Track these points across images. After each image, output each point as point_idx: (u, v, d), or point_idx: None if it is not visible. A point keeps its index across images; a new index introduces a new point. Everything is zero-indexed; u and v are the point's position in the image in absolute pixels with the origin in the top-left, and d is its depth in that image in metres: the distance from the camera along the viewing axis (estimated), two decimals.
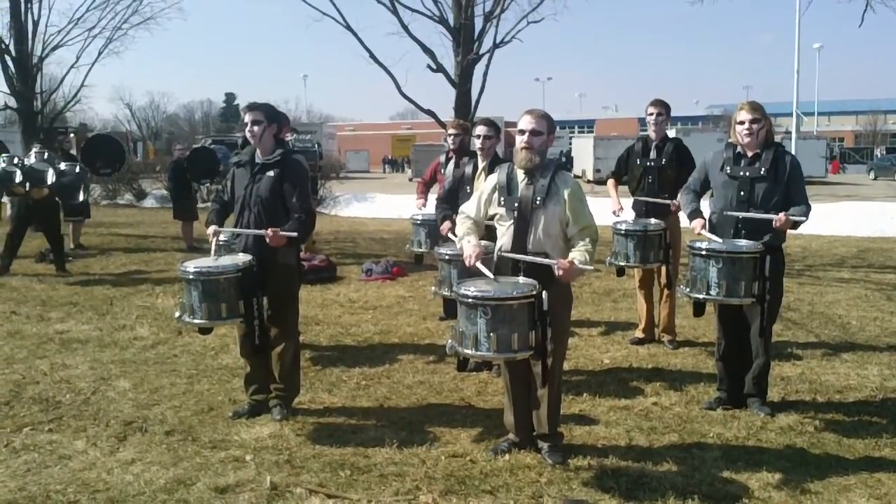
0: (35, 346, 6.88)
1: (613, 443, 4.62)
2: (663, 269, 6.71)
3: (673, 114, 7.10)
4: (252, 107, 4.98)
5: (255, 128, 4.91)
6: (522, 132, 4.25)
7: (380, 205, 22.39)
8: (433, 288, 5.99)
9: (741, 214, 4.94)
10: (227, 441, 4.68)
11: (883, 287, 9.60)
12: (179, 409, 5.25)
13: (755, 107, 5.07)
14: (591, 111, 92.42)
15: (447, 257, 5.72)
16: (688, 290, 4.91)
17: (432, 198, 7.88)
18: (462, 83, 13.19)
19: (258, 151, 5.01)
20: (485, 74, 13.62)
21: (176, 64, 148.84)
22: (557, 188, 4.23)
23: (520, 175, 4.32)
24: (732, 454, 4.44)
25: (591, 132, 66.97)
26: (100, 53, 21.67)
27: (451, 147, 7.32)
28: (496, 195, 4.36)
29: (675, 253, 6.69)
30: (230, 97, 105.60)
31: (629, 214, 6.84)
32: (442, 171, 7.52)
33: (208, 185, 16.46)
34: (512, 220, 4.27)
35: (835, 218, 15.86)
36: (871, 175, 43.61)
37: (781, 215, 4.76)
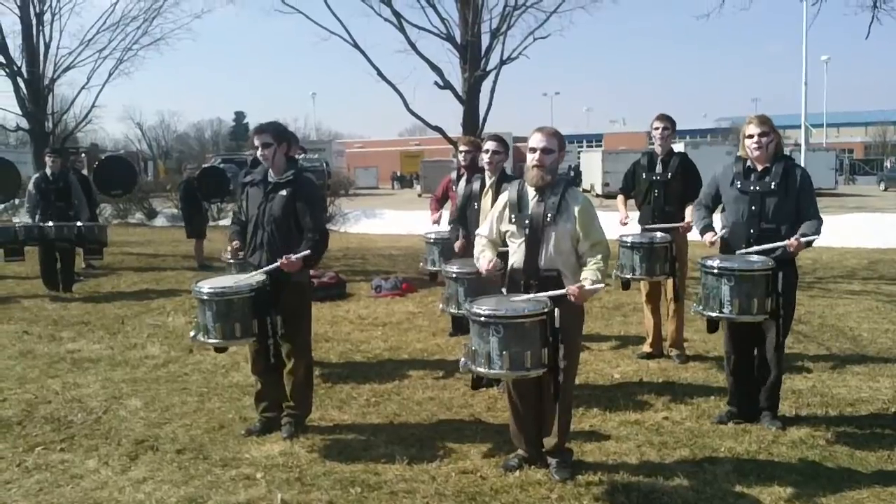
0: (47, 365, 6.91)
1: (624, 458, 4.61)
2: (669, 282, 6.71)
3: (681, 127, 7.13)
4: (260, 130, 5.02)
5: (266, 150, 4.95)
6: (534, 150, 4.28)
7: (389, 221, 22.46)
8: (441, 305, 6.00)
9: (754, 250, 4.91)
10: (238, 459, 4.70)
11: (894, 299, 9.55)
12: (190, 428, 5.26)
13: (764, 120, 5.08)
14: (599, 125, 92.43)
15: (454, 275, 5.74)
16: (700, 307, 4.89)
17: (445, 213, 7.94)
18: (469, 100, 13.27)
19: (270, 171, 5.05)
20: (492, 91, 13.74)
21: (186, 83, 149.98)
22: (568, 205, 4.25)
23: (530, 192, 4.35)
24: (744, 468, 4.42)
25: (600, 146, 66.97)
26: (110, 74, 21.91)
27: (463, 164, 7.35)
28: (507, 212, 4.39)
29: (681, 266, 6.69)
30: (240, 116, 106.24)
31: (634, 227, 6.84)
32: (454, 187, 7.54)
33: (219, 203, 16.54)
34: (523, 238, 4.29)
35: (845, 230, 15.81)
36: (882, 186, 43.40)
37: (793, 240, 4.75)
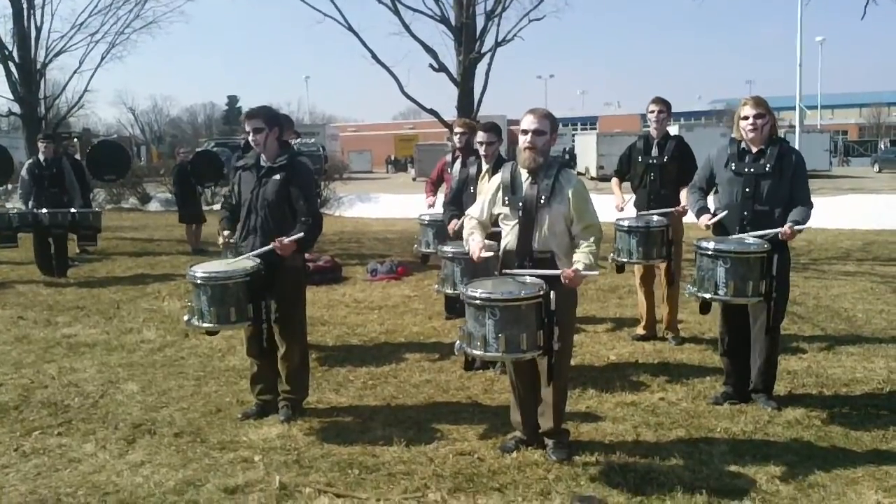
0: (43, 350, 6.90)
1: (621, 438, 4.63)
2: (664, 265, 6.71)
3: (676, 109, 7.11)
4: (250, 114, 4.99)
5: (258, 135, 4.93)
6: (525, 132, 4.26)
7: (384, 205, 22.41)
8: (436, 286, 6.00)
9: (749, 235, 4.91)
10: (236, 442, 4.71)
11: (889, 280, 9.59)
12: (188, 411, 5.27)
13: (759, 102, 5.06)
14: (594, 108, 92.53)
15: (450, 255, 5.73)
16: (695, 289, 4.89)
17: (440, 196, 7.93)
18: (464, 82, 13.23)
19: (262, 155, 5.02)
20: (487, 73, 13.70)
21: (178, 67, 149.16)
22: (562, 187, 4.24)
23: (523, 174, 4.34)
24: (740, 448, 4.45)
25: (594, 129, 66.86)
26: (102, 58, 21.73)
27: (458, 146, 7.34)
28: (500, 195, 4.38)
29: (676, 249, 6.69)
30: (233, 100, 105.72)
31: (631, 210, 6.84)
32: (449, 170, 7.54)
33: (212, 187, 16.47)
34: (517, 220, 4.29)
35: (839, 211, 15.82)
36: (876, 168, 43.45)
37: (787, 228, 4.76)
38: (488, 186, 4.53)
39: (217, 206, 19.47)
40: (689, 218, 6.64)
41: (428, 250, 7.25)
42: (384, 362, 6.36)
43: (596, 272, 4.12)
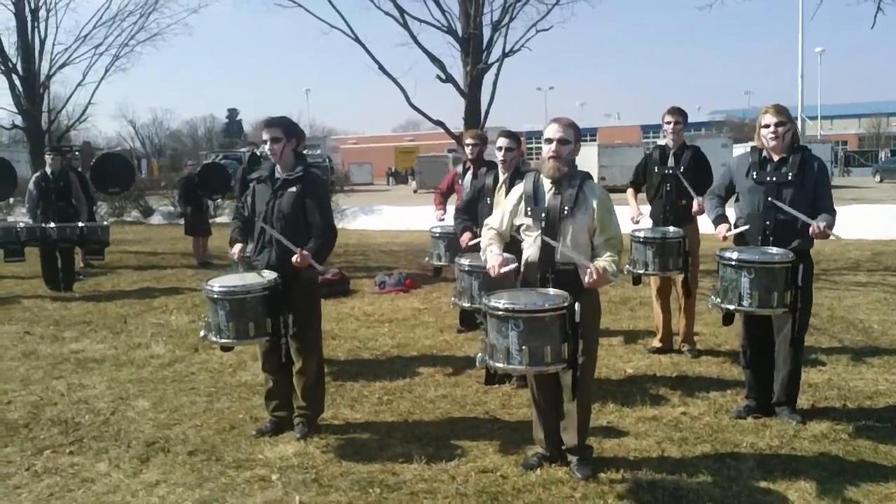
0: (51, 366, 6.81)
1: (645, 454, 4.54)
2: (681, 277, 6.64)
3: None
4: (270, 123, 4.92)
5: (275, 145, 4.85)
6: (550, 141, 4.19)
7: (387, 217, 22.36)
8: (453, 298, 5.91)
9: (783, 206, 4.79)
10: (252, 460, 4.61)
11: None
12: (201, 429, 5.17)
13: (780, 110, 4.99)
14: (593, 119, 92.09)
15: (468, 268, 5.64)
16: (719, 300, 4.80)
17: (450, 209, 7.85)
18: (472, 93, 13.17)
19: (278, 167, 4.95)
20: (494, 83, 13.65)
21: (178, 80, 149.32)
22: (586, 197, 4.17)
23: (546, 184, 4.26)
24: (767, 464, 4.35)
25: (594, 140, 66.94)
26: (107, 70, 21.72)
27: (469, 157, 7.29)
28: (523, 205, 4.30)
29: (693, 261, 6.61)
30: (233, 112, 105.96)
31: (648, 222, 6.77)
32: (460, 181, 7.49)
33: (220, 199, 16.41)
34: (539, 231, 4.20)
35: (845, 221, 15.57)
36: (877, 178, 43.39)
37: (819, 224, 4.67)
38: (510, 196, 4.45)
39: (220, 220, 19.43)
40: (705, 228, 6.58)
41: (440, 263, 7.17)
42: (398, 377, 6.26)
43: (619, 279, 4.06)
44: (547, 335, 3.80)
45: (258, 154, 12.48)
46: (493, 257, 4.25)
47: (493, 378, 5.81)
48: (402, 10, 13.40)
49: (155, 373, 6.58)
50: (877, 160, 51.87)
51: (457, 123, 13.77)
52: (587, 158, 43.34)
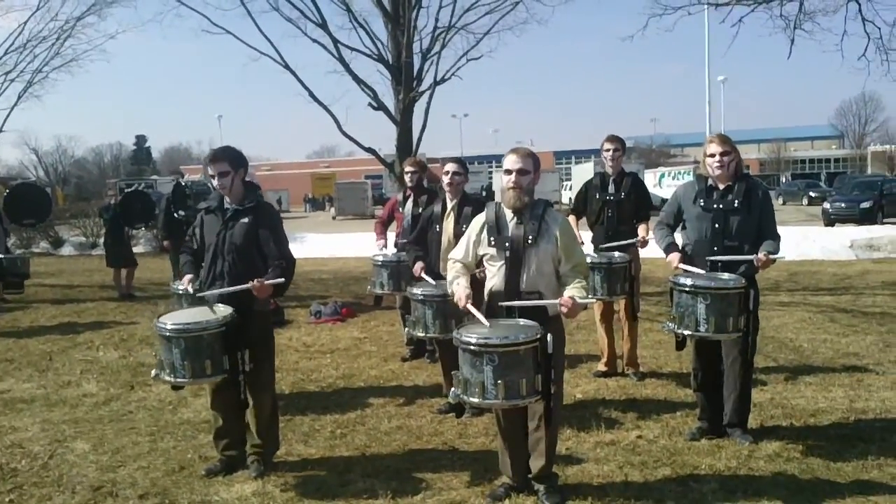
0: None
1: (609, 480, 4.56)
2: (623, 301, 6.75)
3: (586, 147, 7.27)
4: (215, 158, 4.76)
5: (224, 179, 4.71)
6: (510, 172, 4.22)
7: (311, 245, 22.02)
8: (406, 328, 5.85)
9: (722, 259, 4.98)
10: (208, 502, 4.43)
11: (823, 309, 9.91)
12: (149, 470, 4.94)
13: (724, 139, 5.16)
14: (507, 146, 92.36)
15: (421, 297, 5.60)
16: (674, 326, 4.88)
17: (391, 236, 7.82)
18: (404, 121, 13.17)
19: (227, 198, 4.81)
20: (426, 111, 13.67)
21: (83, 107, 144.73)
22: (548, 226, 4.20)
23: (508, 214, 4.27)
24: (728, 485, 4.43)
25: None
26: (19, 97, 20.75)
27: (409, 185, 7.27)
28: (485, 234, 4.30)
29: (636, 284, 6.74)
30: (141, 139, 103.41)
31: (588, 248, 6.86)
32: (400, 209, 7.46)
33: (143, 229, 15.89)
34: (503, 260, 4.21)
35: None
36: (780, 200, 45.37)
37: (762, 255, 4.85)
38: (471, 227, 4.44)
39: (136, 248, 18.81)
40: (646, 252, 6.72)
41: (382, 291, 7.09)
42: (348, 409, 6.14)
43: (592, 300, 4.09)
44: (522, 368, 3.79)
45: (182, 184, 12.21)
46: (460, 290, 4.24)
47: (461, 410, 5.76)
48: (335, 40, 13.32)
49: (90, 412, 6.27)
50: (779, 183, 54.29)
51: (388, 150, 13.74)
52: None
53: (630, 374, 6.89)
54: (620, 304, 6.85)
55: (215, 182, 4.76)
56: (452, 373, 4.01)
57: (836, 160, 78.73)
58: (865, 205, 26.02)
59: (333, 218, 45.05)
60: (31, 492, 4.66)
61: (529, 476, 4.35)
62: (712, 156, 5.11)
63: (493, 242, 4.26)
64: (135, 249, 17.78)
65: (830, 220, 25.81)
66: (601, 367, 7.02)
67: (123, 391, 6.87)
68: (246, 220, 4.75)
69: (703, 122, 42.89)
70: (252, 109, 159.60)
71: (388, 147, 14.08)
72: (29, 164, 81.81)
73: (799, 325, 8.96)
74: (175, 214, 11.53)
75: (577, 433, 5.37)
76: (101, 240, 20.34)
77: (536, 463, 4.29)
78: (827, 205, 27.44)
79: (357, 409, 6.12)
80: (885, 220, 25.59)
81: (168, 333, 4.36)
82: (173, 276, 11.53)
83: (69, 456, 5.26)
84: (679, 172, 43.45)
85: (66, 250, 23.38)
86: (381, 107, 13.29)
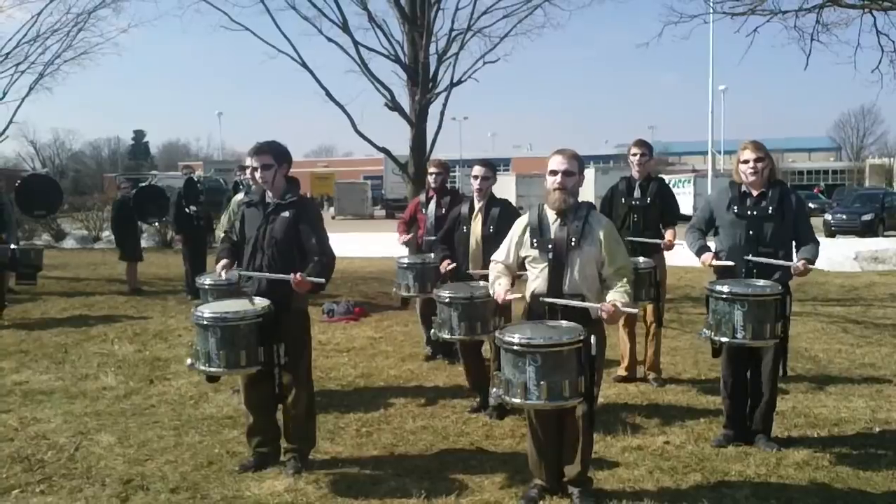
0: None
1: (641, 485, 4.56)
2: (650, 306, 6.76)
3: (583, 153, 7.26)
4: (259, 150, 4.77)
5: (266, 172, 4.72)
6: (555, 173, 4.22)
7: None
8: (433, 330, 5.85)
9: (761, 260, 4.99)
10: (240, 497, 4.43)
11: (835, 320, 9.93)
12: (177, 465, 4.94)
13: (758, 146, 5.18)
14: (504, 150, 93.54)
15: (447, 300, 5.59)
16: (711, 333, 4.89)
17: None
18: (419, 122, 13.16)
19: (268, 192, 4.82)
20: (442, 113, 13.64)
21: (82, 100, 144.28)
22: (592, 228, 4.21)
23: (551, 216, 4.28)
24: (761, 492, 4.44)
25: (507, 170, 67.91)
26: (31, 89, 20.53)
27: (432, 186, 7.28)
28: (528, 236, 4.30)
29: (662, 290, 6.75)
30: (139, 134, 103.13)
31: None
32: (423, 210, 7.46)
33: (156, 223, 15.87)
34: (546, 262, 4.21)
35: None
36: None
37: (801, 263, 4.86)
38: (514, 229, 4.45)
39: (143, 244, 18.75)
40: (672, 260, 6.74)
41: (408, 293, 7.06)
42: (371, 408, 6.14)
43: (635, 310, 4.09)
44: (565, 369, 3.80)
45: (194, 179, 12.19)
46: (500, 289, 4.27)
47: (504, 412, 5.74)
48: (355, 41, 13.29)
49: (111, 405, 6.26)
50: None
51: (401, 151, 13.71)
52: (506, 188, 43.90)
53: (651, 379, 6.89)
54: (646, 310, 6.86)
55: (257, 175, 4.77)
56: (494, 373, 4.01)
57: (835, 172, 78.94)
58: (867, 217, 26.18)
59: (333, 218, 45.00)
60: (61, 483, 4.64)
61: (563, 479, 4.35)
62: (746, 162, 5.13)
63: (535, 244, 4.26)
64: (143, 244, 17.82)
65: (831, 232, 25.94)
66: (621, 371, 7.02)
67: (143, 385, 6.86)
68: (287, 214, 4.76)
69: (702, 131, 43.08)
70: (249, 107, 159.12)
71: (394, 148, 14.03)
72: (26, 156, 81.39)
73: (813, 334, 8.97)
74: (186, 209, 11.52)
75: (603, 437, 5.36)
76: (106, 233, 20.33)
77: (570, 466, 4.28)
78: (828, 216, 27.60)
79: (380, 409, 6.12)
80: (885, 233, 25.71)
81: (205, 322, 4.38)
82: (188, 270, 11.53)
83: (95, 448, 5.24)
84: (679, 181, 43.48)
85: (69, 243, 23.30)
86: (396, 107, 13.27)
